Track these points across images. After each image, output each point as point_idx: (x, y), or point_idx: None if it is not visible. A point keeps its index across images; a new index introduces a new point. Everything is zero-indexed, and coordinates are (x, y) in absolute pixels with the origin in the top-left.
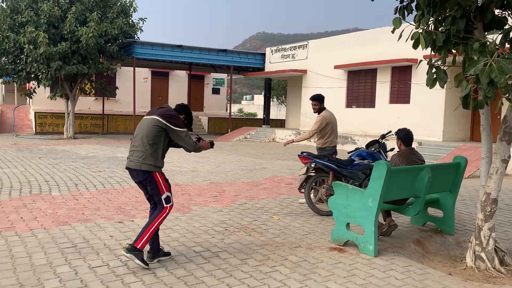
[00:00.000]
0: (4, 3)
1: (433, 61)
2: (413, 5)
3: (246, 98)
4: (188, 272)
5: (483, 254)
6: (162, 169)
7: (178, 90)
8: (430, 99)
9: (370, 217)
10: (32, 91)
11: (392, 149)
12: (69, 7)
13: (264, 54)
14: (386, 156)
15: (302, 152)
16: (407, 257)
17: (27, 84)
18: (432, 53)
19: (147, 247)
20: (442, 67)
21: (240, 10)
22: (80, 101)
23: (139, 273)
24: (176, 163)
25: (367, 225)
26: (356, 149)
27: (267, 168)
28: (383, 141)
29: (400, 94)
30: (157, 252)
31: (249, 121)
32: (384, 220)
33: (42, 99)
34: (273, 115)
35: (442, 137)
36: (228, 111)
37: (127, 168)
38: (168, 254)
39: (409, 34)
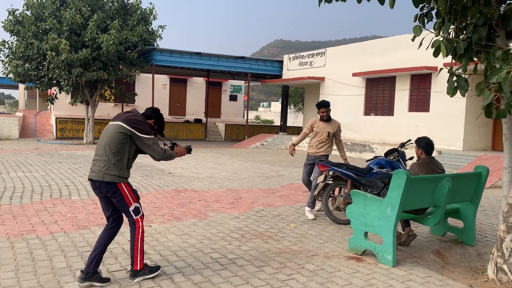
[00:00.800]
0: (29, 11)
1: (454, 69)
2: (433, 12)
3: (263, 105)
4: (205, 278)
5: (505, 266)
6: (128, 179)
7: (196, 97)
8: (451, 108)
9: (389, 227)
10: (53, 97)
11: (411, 158)
12: (91, 15)
13: (281, 61)
14: (405, 164)
15: (319, 160)
16: (426, 267)
17: (49, 90)
18: (453, 61)
19: (83, 266)
20: (463, 76)
21: (258, 18)
22: (100, 107)
23: (157, 278)
24: (194, 169)
25: (385, 234)
26: (375, 157)
27: (284, 175)
28: (402, 149)
29: (420, 102)
30: (91, 274)
31: (266, 128)
32: (403, 230)
33: (63, 104)
34: (290, 122)
35: (463, 146)
36: (245, 118)
37: (89, 179)
38: (106, 280)
39: (430, 42)
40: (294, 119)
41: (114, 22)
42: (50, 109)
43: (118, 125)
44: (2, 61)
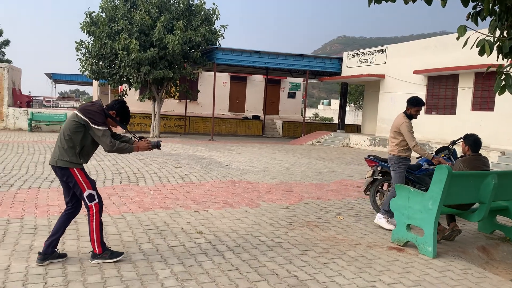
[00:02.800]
0: (104, 13)
1: (502, 68)
2: None
3: (323, 103)
4: (253, 256)
5: None
6: (82, 165)
7: (255, 94)
8: None
9: (430, 219)
10: (124, 93)
11: (462, 156)
12: (159, 16)
13: (341, 59)
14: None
15: (369, 155)
16: (468, 261)
17: (120, 86)
18: (503, 59)
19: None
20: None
21: (321, 14)
22: (165, 103)
23: (210, 253)
24: (249, 163)
25: (427, 227)
26: None
27: (338, 171)
28: (454, 147)
29: (484, 101)
30: (49, 254)
31: (324, 125)
32: (448, 225)
33: (132, 100)
34: (350, 120)
35: None
36: (303, 115)
37: (50, 164)
38: (63, 256)
39: (474, 41)
40: (354, 117)
41: (179, 22)
42: None
43: (73, 114)
44: (80, 59)
